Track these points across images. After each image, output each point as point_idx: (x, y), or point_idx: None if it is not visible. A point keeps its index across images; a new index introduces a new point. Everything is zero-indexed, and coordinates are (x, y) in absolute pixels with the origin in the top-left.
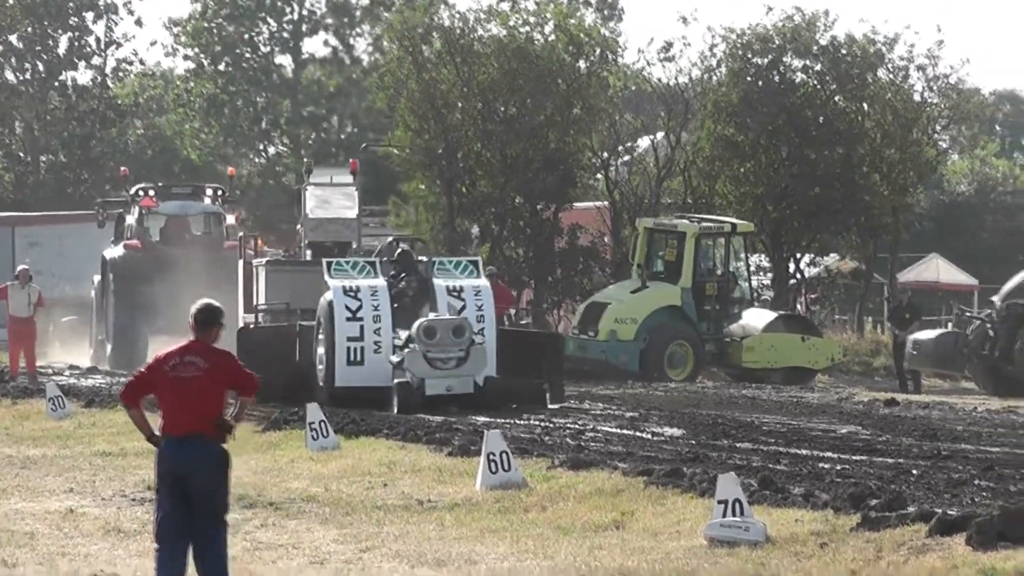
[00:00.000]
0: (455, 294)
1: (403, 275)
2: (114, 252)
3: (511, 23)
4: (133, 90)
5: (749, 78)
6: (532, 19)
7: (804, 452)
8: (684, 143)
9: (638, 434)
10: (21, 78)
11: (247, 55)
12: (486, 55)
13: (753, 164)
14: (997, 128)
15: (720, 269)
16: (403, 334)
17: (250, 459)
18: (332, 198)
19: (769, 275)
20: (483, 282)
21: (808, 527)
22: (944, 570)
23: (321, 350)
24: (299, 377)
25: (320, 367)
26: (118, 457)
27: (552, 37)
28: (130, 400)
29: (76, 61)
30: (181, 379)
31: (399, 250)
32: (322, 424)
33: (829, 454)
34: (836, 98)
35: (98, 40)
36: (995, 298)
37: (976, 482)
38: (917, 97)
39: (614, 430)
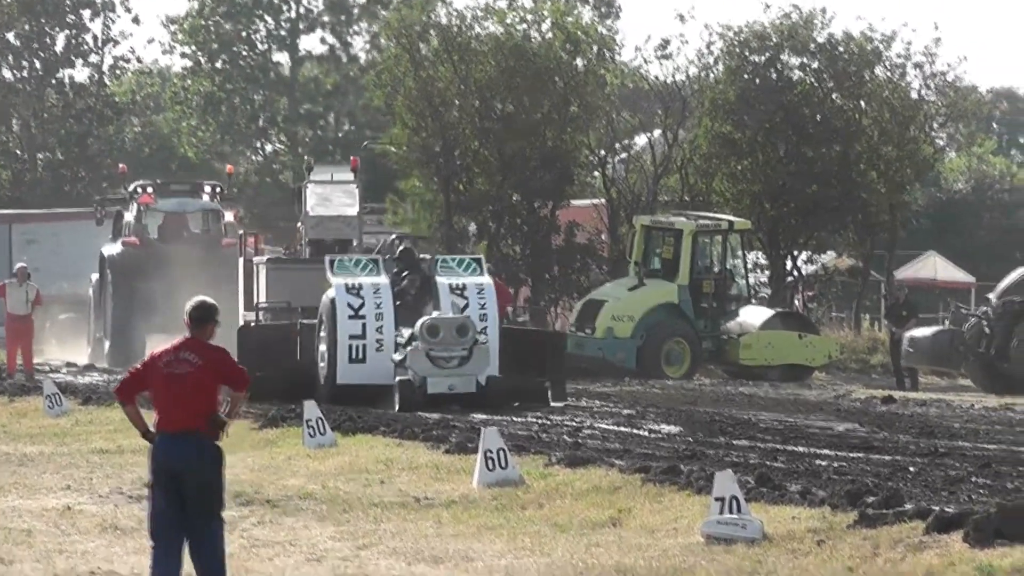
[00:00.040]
0: (458, 292)
1: (406, 273)
2: (112, 249)
3: (508, 21)
4: (130, 88)
5: (746, 75)
6: (529, 17)
7: (801, 449)
8: (681, 141)
9: (635, 431)
10: (18, 76)
11: (244, 53)
12: (483, 53)
13: (750, 162)
14: (994, 126)
15: (717, 267)
16: (405, 332)
17: (247, 456)
18: (333, 195)
19: (766, 272)
20: (486, 280)
21: (805, 524)
22: (941, 567)
23: (323, 347)
24: (300, 375)
25: (322, 364)
26: (115, 454)
27: (549, 35)
28: (125, 396)
29: (73, 59)
30: (175, 375)
31: (401, 248)
32: (319, 421)
33: (826, 451)
34: (833, 96)
35: (95, 38)
36: (991, 295)
37: (973, 479)
38: (914, 95)
39: (611, 427)
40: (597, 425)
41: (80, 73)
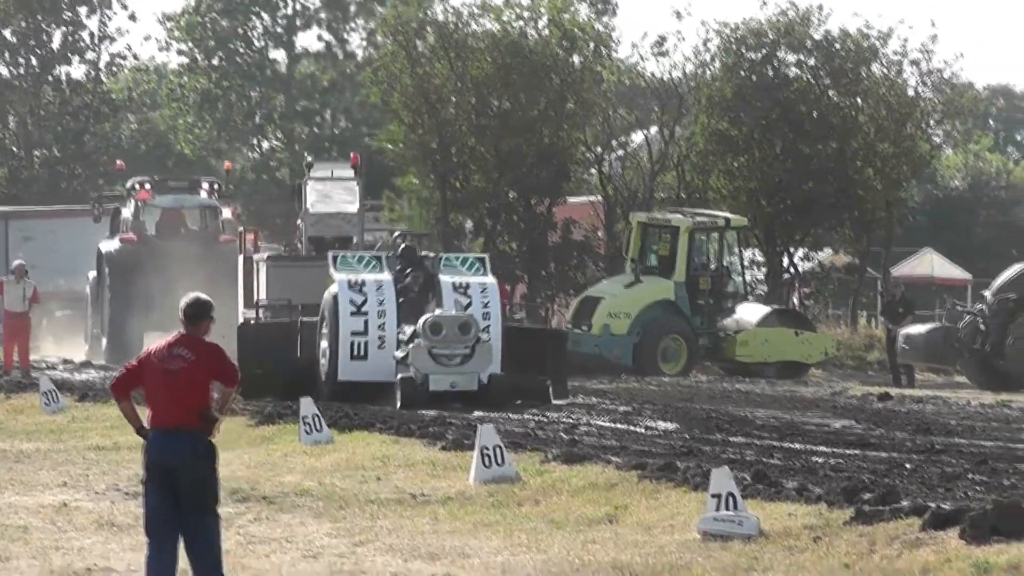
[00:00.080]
0: (461, 291)
1: (409, 270)
2: (110, 245)
3: (505, 18)
4: (127, 85)
5: (743, 72)
6: (526, 14)
7: (798, 446)
8: (678, 138)
9: (632, 428)
10: (14, 72)
11: (241, 50)
12: (480, 50)
13: (747, 159)
14: (990, 123)
15: (714, 263)
16: (408, 329)
17: (243, 453)
18: (333, 192)
19: (763, 269)
20: (490, 280)
21: (801, 521)
22: (937, 564)
23: (324, 344)
24: (300, 373)
25: (323, 361)
26: (112, 451)
27: (546, 32)
28: (120, 392)
29: (70, 56)
30: (169, 371)
31: (403, 245)
32: (315, 418)
33: (823, 448)
34: (830, 93)
35: (92, 35)
36: (986, 292)
37: (969, 476)
38: (911, 92)
39: (607, 424)
40: (593, 422)
41: (76, 70)
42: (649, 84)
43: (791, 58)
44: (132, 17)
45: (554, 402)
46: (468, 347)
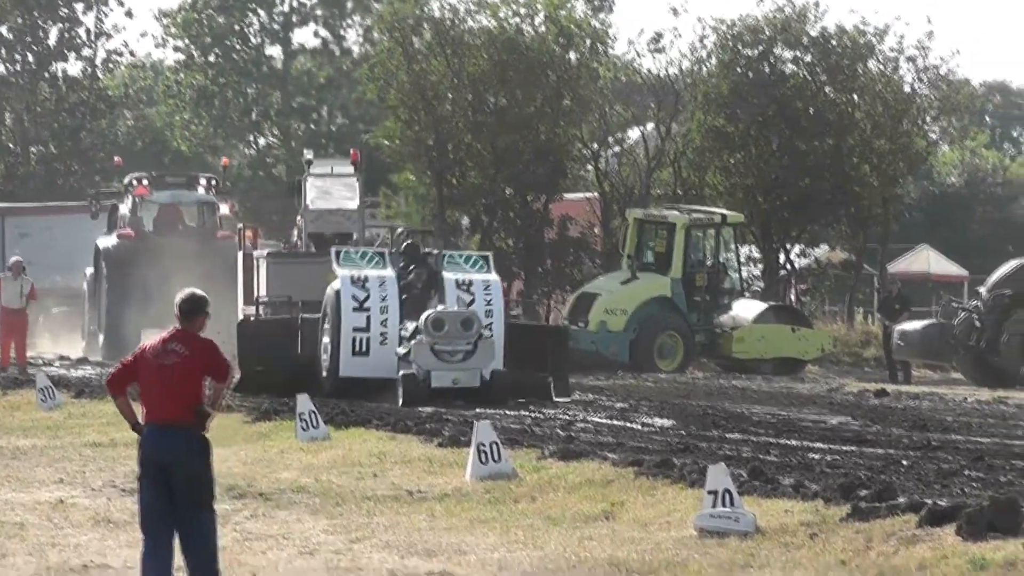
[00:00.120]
0: (464, 288)
1: (412, 267)
2: (108, 241)
3: (501, 14)
4: (123, 81)
5: (739, 69)
6: (522, 10)
7: (794, 443)
8: (674, 134)
9: (628, 425)
10: (11, 69)
11: (237, 46)
12: (476, 46)
13: (743, 155)
14: (987, 119)
15: (710, 260)
16: (410, 326)
17: (240, 450)
18: (333, 189)
19: (759, 266)
20: (493, 277)
21: (798, 518)
22: (934, 560)
23: (326, 339)
24: (301, 370)
25: (324, 357)
26: (108, 447)
27: (542, 28)
28: (116, 389)
29: (66, 52)
30: (164, 367)
31: (406, 242)
32: (312, 415)
33: (819, 445)
34: (826, 89)
35: (88, 31)
36: (981, 289)
37: (966, 472)
38: (907, 88)
39: (604, 421)
40: (590, 418)
41: (73, 67)
42: (645, 80)
43: (787, 55)
44: (128, 14)
45: (555, 399)
46: (470, 343)
